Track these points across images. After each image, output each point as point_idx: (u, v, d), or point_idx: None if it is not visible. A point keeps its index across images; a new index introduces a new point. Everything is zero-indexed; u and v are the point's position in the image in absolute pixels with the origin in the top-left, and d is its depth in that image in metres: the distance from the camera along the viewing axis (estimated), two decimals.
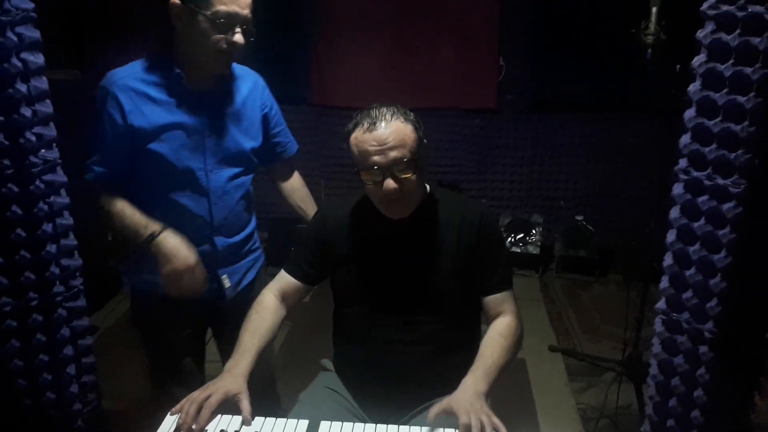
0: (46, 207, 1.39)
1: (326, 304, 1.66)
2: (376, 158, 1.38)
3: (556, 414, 2.58)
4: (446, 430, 1.27)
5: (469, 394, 1.30)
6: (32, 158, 1.35)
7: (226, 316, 1.79)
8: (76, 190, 1.52)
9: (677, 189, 1.37)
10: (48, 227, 1.40)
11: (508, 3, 3.80)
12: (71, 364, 1.52)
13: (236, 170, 1.69)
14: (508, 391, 2.57)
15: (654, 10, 2.36)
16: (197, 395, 1.31)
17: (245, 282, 1.81)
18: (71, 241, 1.47)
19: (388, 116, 1.41)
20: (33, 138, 1.34)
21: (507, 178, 4.21)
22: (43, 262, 1.41)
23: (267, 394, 1.94)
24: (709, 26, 1.26)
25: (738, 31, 1.21)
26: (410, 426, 1.30)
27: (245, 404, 1.31)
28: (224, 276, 1.73)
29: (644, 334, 2.64)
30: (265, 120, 1.78)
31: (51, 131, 1.39)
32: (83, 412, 1.56)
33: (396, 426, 1.29)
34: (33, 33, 1.32)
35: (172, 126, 1.56)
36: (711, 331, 1.36)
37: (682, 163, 1.35)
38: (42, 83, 1.35)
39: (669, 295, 1.43)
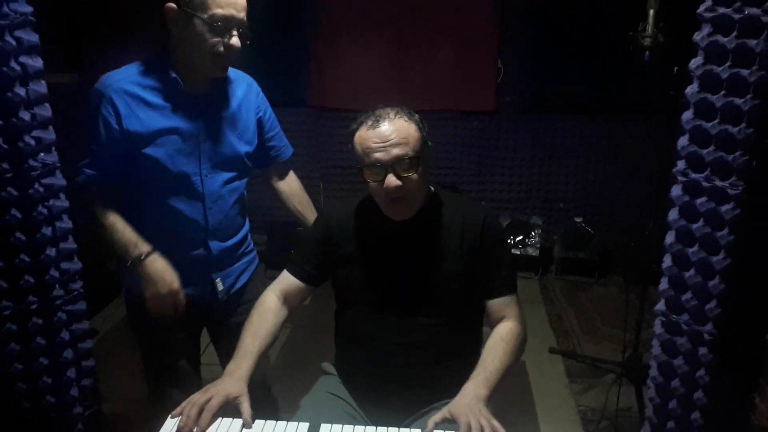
0: (45, 210, 1.39)
1: (327, 306, 1.66)
2: (378, 155, 1.38)
3: (556, 416, 2.58)
4: None
5: (468, 399, 1.30)
6: (31, 161, 1.35)
7: (220, 318, 1.81)
8: (75, 193, 1.52)
9: (676, 191, 1.37)
10: (47, 230, 1.40)
11: (507, 4, 3.80)
12: (71, 367, 1.52)
13: (231, 174, 1.69)
14: (508, 393, 2.56)
15: (651, 12, 2.37)
16: (198, 398, 1.30)
17: (239, 285, 1.81)
18: (70, 244, 1.47)
19: (391, 114, 1.42)
20: (32, 141, 1.35)
21: (506, 180, 4.20)
22: (42, 266, 1.41)
23: (262, 397, 1.93)
24: (706, 29, 1.26)
25: (734, 34, 1.22)
26: (411, 429, 1.30)
27: (246, 407, 1.31)
28: (218, 279, 1.74)
29: (644, 336, 2.64)
30: (260, 124, 1.77)
31: (50, 134, 1.39)
32: (83, 415, 1.56)
33: (397, 429, 1.28)
34: (31, 37, 1.32)
35: (167, 131, 1.56)
36: (710, 333, 1.36)
37: (680, 165, 1.36)
38: (41, 87, 1.36)
39: (668, 296, 1.43)
